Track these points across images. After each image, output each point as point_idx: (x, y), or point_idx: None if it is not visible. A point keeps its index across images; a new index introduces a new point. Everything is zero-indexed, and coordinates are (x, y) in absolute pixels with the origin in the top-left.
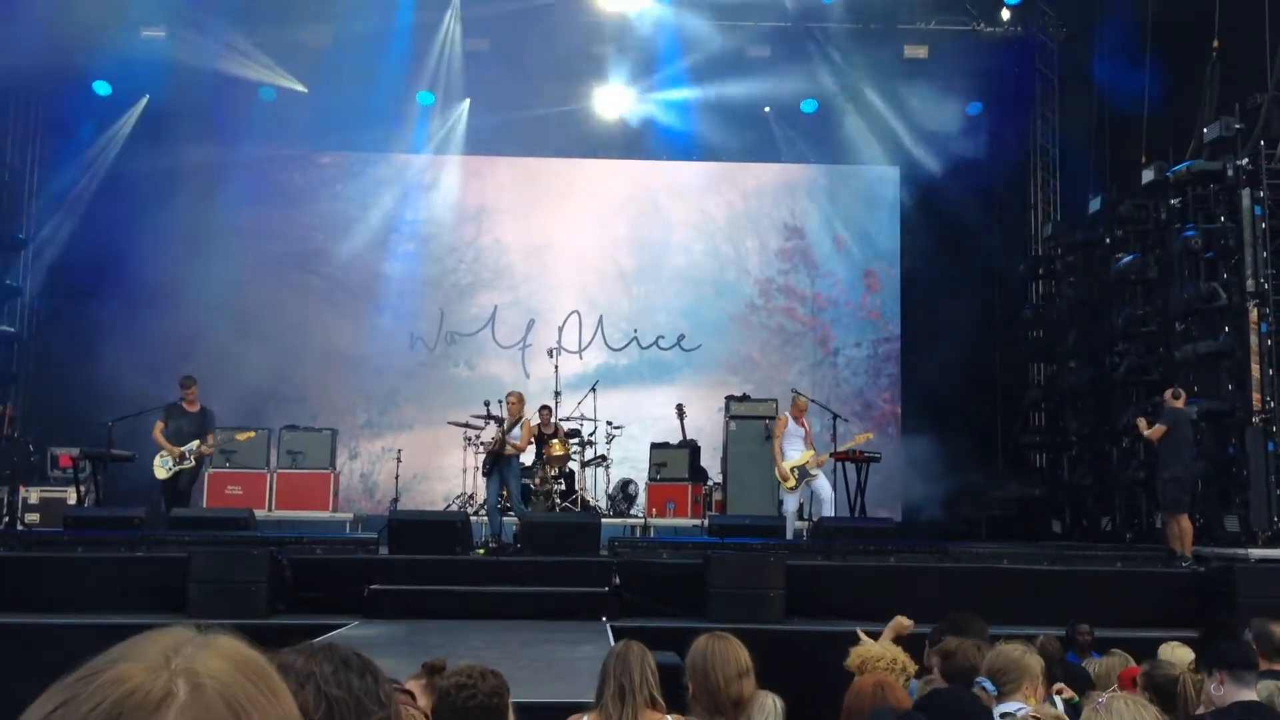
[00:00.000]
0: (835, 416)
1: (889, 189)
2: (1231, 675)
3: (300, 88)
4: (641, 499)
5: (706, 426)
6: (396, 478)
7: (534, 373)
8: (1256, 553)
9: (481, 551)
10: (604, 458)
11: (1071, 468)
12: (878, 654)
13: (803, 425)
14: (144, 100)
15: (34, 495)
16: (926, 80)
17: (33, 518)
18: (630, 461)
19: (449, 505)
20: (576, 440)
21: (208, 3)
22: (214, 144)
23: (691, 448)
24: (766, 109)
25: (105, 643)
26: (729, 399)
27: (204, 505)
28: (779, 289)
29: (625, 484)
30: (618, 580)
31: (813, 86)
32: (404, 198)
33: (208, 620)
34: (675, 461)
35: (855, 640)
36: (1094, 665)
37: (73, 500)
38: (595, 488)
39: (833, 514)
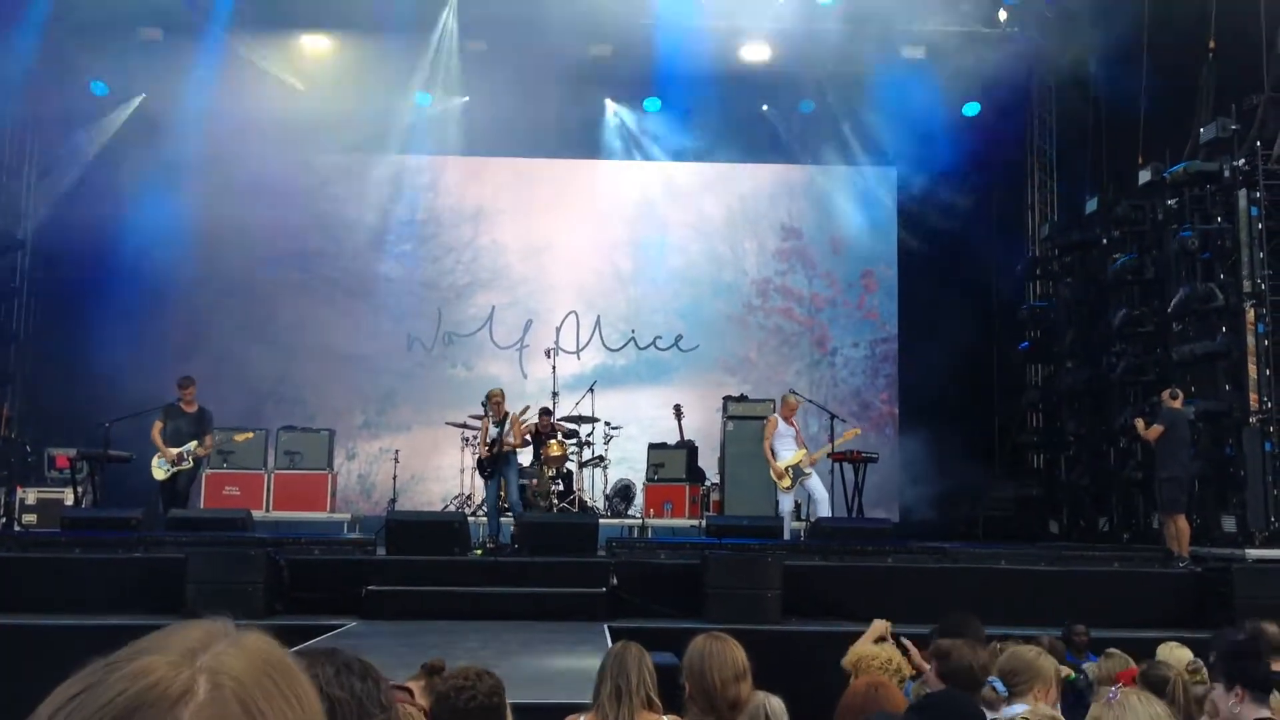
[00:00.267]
0: (833, 417)
1: (886, 189)
2: (1252, 695)
3: (299, 86)
4: (639, 499)
5: (704, 427)
6: (394, 478)
7: (532, 373)
8: (1253, 553)
9: (479, 552)
10: (601, 458)
11: (1069, 468)
12: (872, 654)
13: (793, 425)
14: (141, 100)
15: (31, 496)
16: (924, 80)
17: (30, 518)
18: (628, 462)
19: (446, 506)
20: (574, 441)
21: (206, 4)
22: (211, 145)
23: (689, 448)
24: (765, 107)
25: (103, 644)
26: (726, 399)
27: (201, 506)
28: (776, 289)
29: (623, 485)
30: (615, 581)
31: (810, 87)
32: (402, 198)
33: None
34: (673, 462)
35: (853, 640)
36: (1093, 669)
37: (70, 501)
38: (593, 488)
39: (829, 514)
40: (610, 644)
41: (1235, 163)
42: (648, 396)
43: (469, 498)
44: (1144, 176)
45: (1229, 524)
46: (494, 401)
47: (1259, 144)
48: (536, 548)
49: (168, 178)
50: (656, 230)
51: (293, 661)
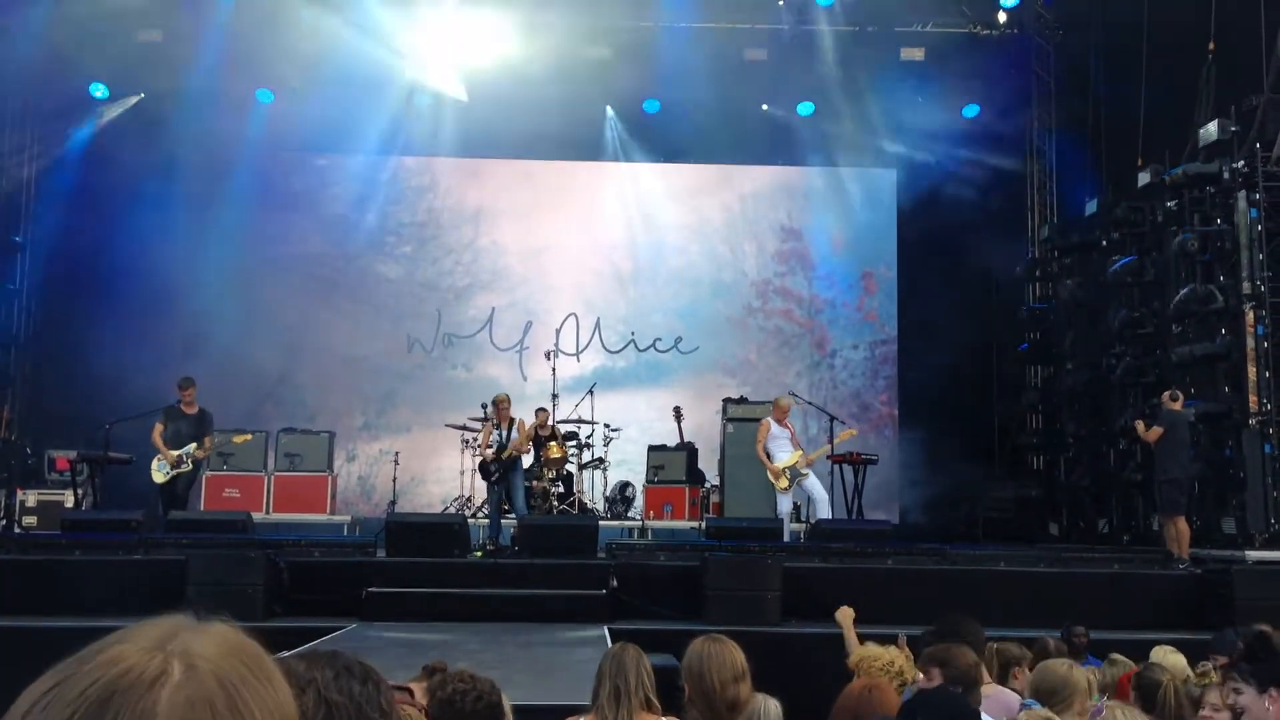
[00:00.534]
0: (832, 419)
1: (886, 191)
2: None
3: (298, 89)
4: (639, 501)
5: (704, 429)
6: (394, 480)
7: (531, 375)
8: (1253, 554)
9: (479, 554)
10: (601, 460)
11: (1069, 469)
12: (874, 655)
13: (787, 427)
14: (140, 101)
15: (31, 498)
16: (923, 82)
17: (30, 520)
18: (628, 464)
19: (446, 508)
20: (574, 443)
21: (204, 5)
22: (211, 146)
23: (689, 450)
24: (765, 106)
25: None
26: (726, 401)
27: (201, 508)
28: (776, 291)
29: (623, 486)
30: (615, 582)
31: (810, 89)
32: (401, 200)
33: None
34: (673, 464)
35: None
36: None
37: (70, 503)
38: (593, 490)
39: (829, 515)
40: (609, 645)
41: (1235, 164)
42: (647, 398)
43: (469, 499)
44: (1144, 178)
45: (1229, 526)
46: (499, 407)
47: (1259, 146)
48: (536, 550)
49: (168, 179)
50: (656, 232)
51: (260, 648)
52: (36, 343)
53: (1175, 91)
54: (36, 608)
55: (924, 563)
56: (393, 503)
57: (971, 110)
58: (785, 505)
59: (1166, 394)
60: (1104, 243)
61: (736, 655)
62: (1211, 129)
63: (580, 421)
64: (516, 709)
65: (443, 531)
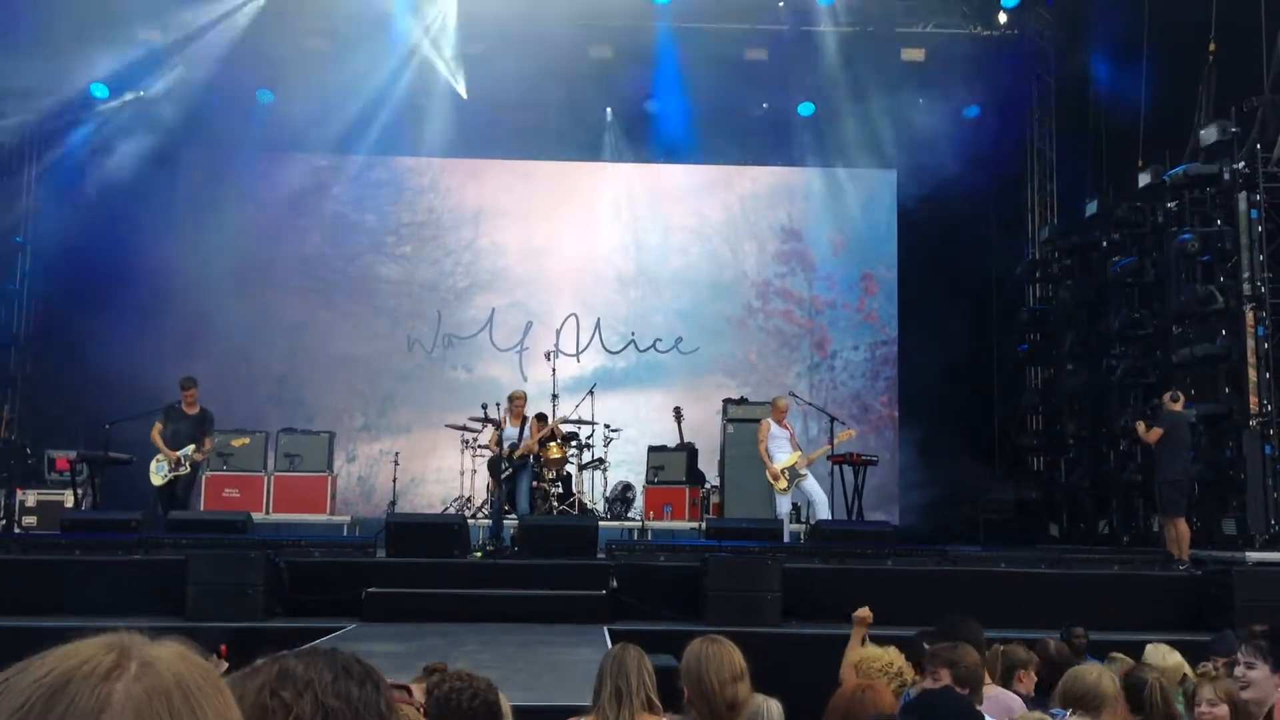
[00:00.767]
0: (832, 420)
1: (886, 192)
2: None
3: (298, 89)
4: (639, 502)
5: (704, 429)
6: (394, 480)
7: (531, 375)
8: (1254, 556)
9: (479, 554)
10: (601, 461)
11: (1069, 470)
12: (874, 656)
13: (786, 427)
14: (140, 101)
15: (31, 498)
16: (924, 83)
17: (30, 520)
18: (628, 464)
19: (446, 508)
20: (574, 443)
21: (204, 5)
22: (211, 147)
23: (689, 451)
24: (765, 105)
25: None
26: (726, 402)
27: (201, 508)
28: (776, 292)
29: (623, 487)
30: (615, 583)
31: (810, 89)
32: (401, 200)
33: (172, 626)
34: (673, 464)
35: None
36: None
37: (70, 503)
38: (593, 491)
39: (829, 516)
40: (610, 646)
41: (1235, 165)
42: (648, 399)
43: (469, 500)
44: (1144, 179)
45: (1229, 527)
46: (515, 404)
47: (1259, 147)
48: (536, 550)
49: (167, 179)
50: (656, 232)
51: (210, 665)
52: (36, 343)
53: (1175, 92)
54: (36, 608)
55: (924, 564)
56: (392, 503)
57: (972, 111)
58: (784, 506)
59: (1167, 395)
60: (1104, 243)
61: (734, 655)
62: (1212, 130)
63: (580, 422)
64: (516, 710)
65: (442, 532)
